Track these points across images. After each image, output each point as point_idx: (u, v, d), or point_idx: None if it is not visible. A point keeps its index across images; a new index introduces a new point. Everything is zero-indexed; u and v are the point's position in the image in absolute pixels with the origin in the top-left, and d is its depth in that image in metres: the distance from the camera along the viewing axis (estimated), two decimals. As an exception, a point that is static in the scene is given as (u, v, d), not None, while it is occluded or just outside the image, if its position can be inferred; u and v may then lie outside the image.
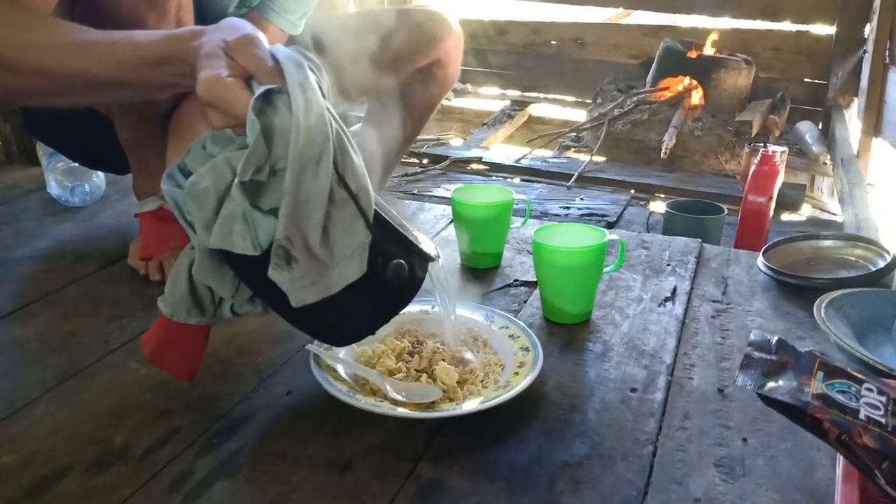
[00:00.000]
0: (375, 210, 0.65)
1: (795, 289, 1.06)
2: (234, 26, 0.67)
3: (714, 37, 3.22)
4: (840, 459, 0.63)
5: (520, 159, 2.88)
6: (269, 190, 0.61)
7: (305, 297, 0.63)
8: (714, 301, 1.03)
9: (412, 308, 0.92)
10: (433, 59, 1.33)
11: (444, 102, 3.51)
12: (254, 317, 0.75)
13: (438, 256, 0.72)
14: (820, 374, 0.63)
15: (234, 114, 0.63)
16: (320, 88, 0.63)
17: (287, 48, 0.65)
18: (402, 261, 0.66)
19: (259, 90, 0.61)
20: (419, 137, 2.23)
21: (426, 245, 0.71)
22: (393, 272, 0.66)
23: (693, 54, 3.11)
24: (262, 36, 0.66)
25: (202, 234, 0.64)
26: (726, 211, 2.07)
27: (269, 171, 0.61)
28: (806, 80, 3.30)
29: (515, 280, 1.09)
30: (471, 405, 0.74)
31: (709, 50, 3.20)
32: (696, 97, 3.03)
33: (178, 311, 0.71)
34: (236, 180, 0.61)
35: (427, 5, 1.34)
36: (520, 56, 3.69)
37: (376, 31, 1.08)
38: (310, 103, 0.60)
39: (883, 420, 0.59)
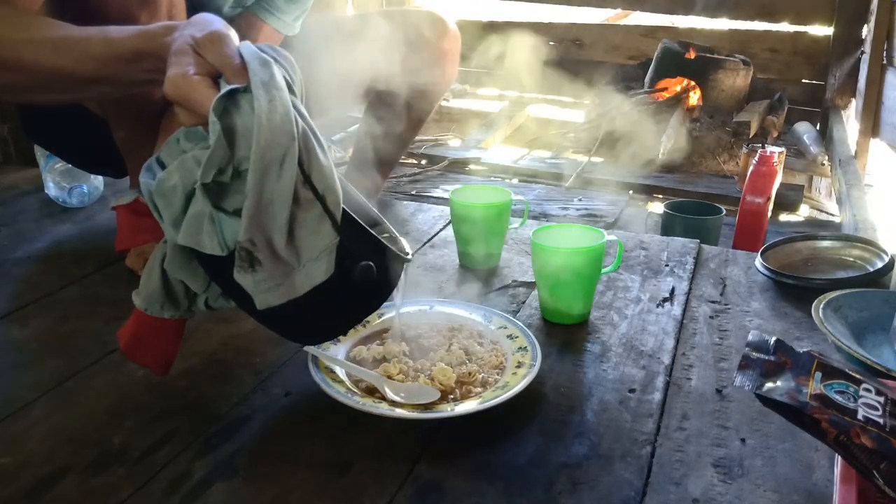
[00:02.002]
0: (344, 210, 0.64)
1: (793, 289, 1.06)
2: (205, 21, 0.66)
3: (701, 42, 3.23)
4: (838, 460, 0.63)
5: (518, 160, 2.89)
6: (233, 191, 0.61)
7: (270, 299, 0.62)
8: (712, 302, 1.03)
9: (411, 308, 0.92)
10: (431, 59, 1.33)
11: (443, 103, 3.52)
12: (228, 310, 0.74)
13: (411, 259, 0.71)
14: (818, 375, 0.63)
15: (200, 112, 0.62)
16: (290, 86, 0.62)
17: (257, 45, 0.64)
18: (370, 262, 0.66)
19: (223, 90, 0.60)
20: (417, 138, 2.24)
21: (399, 245, 0.70)
22: (361, 274, 0.65)
23: (691, 55, 3.12)
24: (232, 33, 0.65)
25: (170, 231, 0.64)
26: (724, 211, 2.08)
27: (233, 172, 0.60)
28: (804, 80, 3.30)
29: (514, 280, 1.09)
30: (469, 406, 0.74)
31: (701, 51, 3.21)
32: (695, 98, 3.03)
33: (152, 305, 0.71)
34: (198, 181, 0.60)
35: (425, 6, 1.34)
36: (518, 57, 3.69)
37: (374, 33, 1.08)
38: (273, 102, 0.59)
39: (881, 420, 0.59)
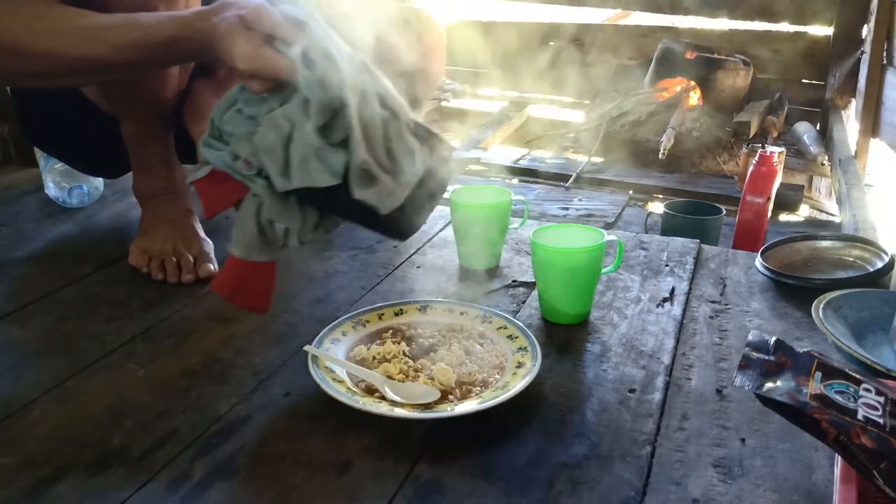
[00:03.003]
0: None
1: (793, 289, 1.06)
2: (241, 1, 0.74)
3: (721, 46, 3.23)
4: (838, 460, 0.63)
5: (518, 160, 2.89)
6: (333, 128, 0.71)
7: (392, 203, 0.72)
8: (712, 302, 1.04)
9: (411, 307, 0.92)
10: (416, 56, 1.32)
11: (443, 103, 3.52)
12: (317, 244, 0.85)
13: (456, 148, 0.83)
14: (818, 375, 0.63)
15: (279, 77, 0.70)
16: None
17: (287, 6, 0.72)
18: (443, 154, 0.77)
19: (295, 50, 0.69)
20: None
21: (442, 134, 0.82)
22: (440, 163, 0.76)
23: (691, 55, 3.12)
24: (267, 4, 0.73)
25: (279, 180, 0.72)
26: (724, 211, 2.08)
27: (331, 112, 0.70)
28: (804, 81, 3.30)
29: (514, 281, 1.09)
30: (469, 406, 0.74)
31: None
32: (695, 98, 3.03)
33: (251, 252, 0.78)
34: (311, 127, 0.69)
35: (409, 3, 1.34)
36: (518, 57, 3.70)
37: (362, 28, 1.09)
38: (338, 46, 0.70)
39: (881, 420, 0.59)
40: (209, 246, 1.11)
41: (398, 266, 1.14)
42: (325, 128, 0.70)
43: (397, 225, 0.78)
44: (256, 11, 0.71)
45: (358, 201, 0.71)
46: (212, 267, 1.08)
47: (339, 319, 0.89)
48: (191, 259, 1.08)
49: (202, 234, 1.13)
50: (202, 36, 0.76)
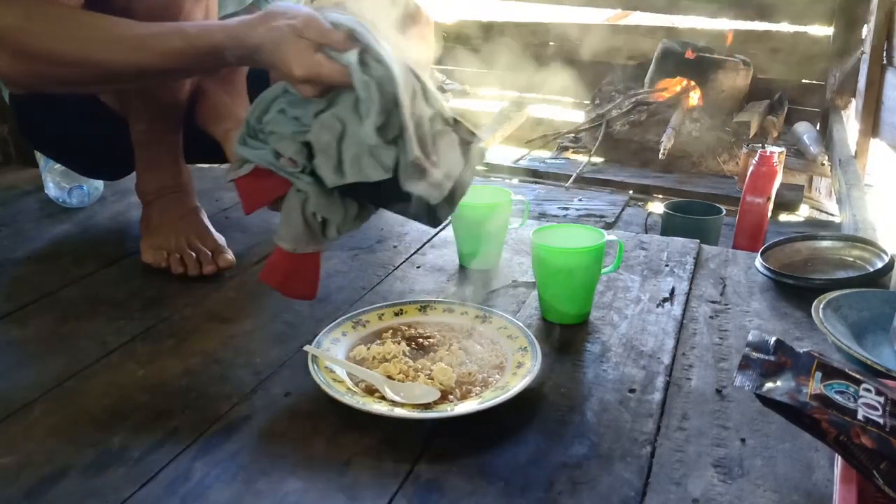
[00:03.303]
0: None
1: (793, 289, 1.06)
2: (291, 10, 0.77)
3: (728, 40, 3.22)
4: (838, 460, 0.63)
5: (518, 160, 2.89)
6: (386, 126, 0.75)
7: (441, 194, 0.77)
8: (712, 302, 1.04)
9: (411, 307, 0.92)
10: (405, 43, 1.33)
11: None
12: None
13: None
14: (818, 375, 0.63)
15: (334, 82, 0.74)
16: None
17: (333, 14, 0.76)
18: (475, 144, 0.81)
19: (351, 56, 0.73)
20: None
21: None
22: (473, 153, 0.81)
23: (691, 55, 3.12)
24: (315, 13, 0.76)
25: (332, 177, 0.76)
26: (724, 212, 2.08)
27: (386, 112, 0.74)
28: (804, 81, 3.30)
29: (514, 280, 1.09)
30: (469, 406, 0.74)
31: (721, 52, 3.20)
32: (695, 98, 3.03)
33: (300, 244, 0.82)
34: (370, 127, 0.73)
35: None
36: (518, 57, 3.70)
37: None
38: (387, 51, 0.74)
39: (881, 420, 0.59)
40: (222, 239, 1.12)
41: (398, 266, 1.14)
42: (381, 127, 0.74)
43: (435, 212, 0.81)
44: (307, 20, 0.75)
45: (397, 192, 0.75)
46: (230, 257, 1.08)
47: (339, 319, 0.89)
48: (208, 252, 1.08)
49: (213, 229, 1.13)
50: (250, 43, 0.78)
